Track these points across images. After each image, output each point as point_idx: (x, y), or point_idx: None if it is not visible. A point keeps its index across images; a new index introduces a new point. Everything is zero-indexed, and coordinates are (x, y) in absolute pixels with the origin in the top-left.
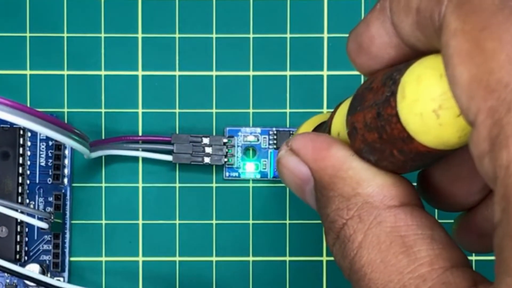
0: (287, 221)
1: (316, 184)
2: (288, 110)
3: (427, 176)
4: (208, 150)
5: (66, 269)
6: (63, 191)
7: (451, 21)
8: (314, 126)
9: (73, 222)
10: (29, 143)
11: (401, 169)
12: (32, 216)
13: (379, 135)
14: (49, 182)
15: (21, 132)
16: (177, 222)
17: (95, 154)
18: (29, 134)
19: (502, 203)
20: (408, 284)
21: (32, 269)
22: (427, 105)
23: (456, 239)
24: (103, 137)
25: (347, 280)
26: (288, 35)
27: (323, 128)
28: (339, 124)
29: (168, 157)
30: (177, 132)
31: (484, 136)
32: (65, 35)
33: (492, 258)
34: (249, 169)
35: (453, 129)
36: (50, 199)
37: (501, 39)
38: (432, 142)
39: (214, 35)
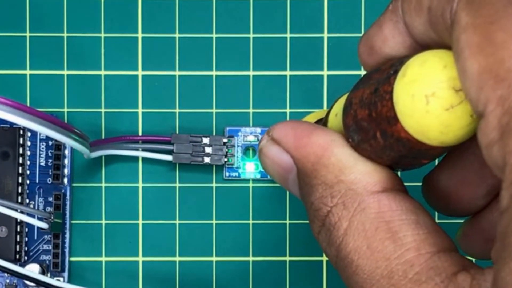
0: (287, 221)
1: (299, 172)
2: (288, 110)
3: (432, 181)
4: (208, 150)
5: (66, 269)
6: (63, 191)
7: (462, 16)
8: (315, 121)
9: (73, 222)
10: (29, 143)
11: (378, 157)
12: (32, 216)
13: (369, 112)
14: (49, 182)
15: (21, 132)
16: (177, 222)
17: (95, 154)
18: (29, 134)
19: (510, 189)
20: (396, 270)
21: (32, 269)
22: (421, 88)
23: (460, 245)
24: (103, 137)
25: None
26: (288, 35)
27: (323, 118)
28: (338, 107)
29: (168, 157)
30: (177, 132)
31: (494, 125)
32: (65, 35)
33: None
34: (249, 169)
35: (437, 120)
36: (50, 199)
37: (510, 30)
38: (413, 128)
39: (214, 35)
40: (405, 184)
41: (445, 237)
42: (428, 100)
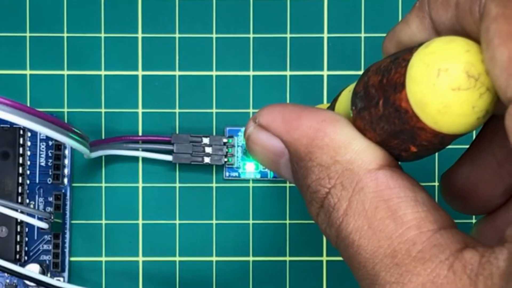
0: (287, 221)
1: (292, 156)
2: None
3: (450, 179)
4: (208, 150)
5: (66, 269)
6: (63, 191)
7: (492, 8)
8: None
9: (73, 222)
10: (29, 143)
11: (372, 129)
12: (32, 216)
13: (381, 77)
14: (49, 182)
15: (21, 132)
16: (177, 222)
17: (95, 154)
18: (29, 134)
19: None
20: (399, 249)
21: (32, 269)
22: (438, 61)
23: None
24: (103, 137)
25: (338, 251)
26: (288, 35)
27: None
28: (351, 87)
29: (168, 157)
30: (177, 132)
31: None
32: (65, 35)
33: None
34: (249, 169)
35: (440, 96)
36: (50, 199)
37: None
38: (415, 97)
39: (214, 35)
40: None
41: (445, 214)
42: (440, 73)
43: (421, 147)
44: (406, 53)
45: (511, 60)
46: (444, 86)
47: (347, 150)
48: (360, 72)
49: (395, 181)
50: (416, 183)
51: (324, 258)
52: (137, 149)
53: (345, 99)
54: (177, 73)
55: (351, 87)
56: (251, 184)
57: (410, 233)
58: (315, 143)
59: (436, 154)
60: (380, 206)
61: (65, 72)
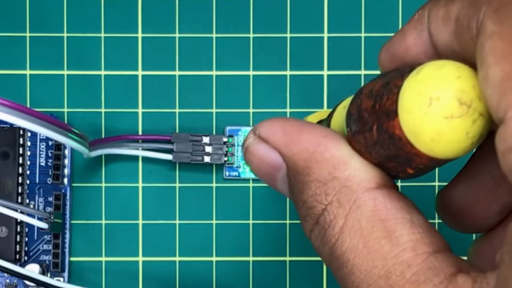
0: (287, 221)
1: (290, 170)
2: (288, 110)
3: (446, 197)
4: (208, 149)
5: (66, 269)
6: (63, 191)
7: (488, 25)
8: (316, 121)
9: (73, 222)
10: (29, 143)
11: (367, 152)
12: (32, 216)
13: (374, 103)
14: (49, 182)
15: (21, 132)
16: (177, 222)
17: (94, 153)
18: (29, 134)
19: None
20: (393, 270)
21: (32, 269)
22: (429, 89)
23: (472, 262)
24: (103, 137)
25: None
26: (288, 35)
27: (326, 120)
28: (349, 101)
29: (168, 156)
30: (177, 132)
31: None
32: (65, 35)
33: None
34: (249, 168)
35: (433, 125)
36: (50, 199)
37: None
38: (408, 126)
39: (214, 35)
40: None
41: (439, 237)
42: (431, 102)
43: (417, 169)
44: (397, 78)
45: (503, 79)
46: (436, 115)
47: (346, 167)
48: (360, 72)
49: (392, 201)
50: (412, 205)
51: None
52: (137, 148)
53: (340, 116)
54: (177, 73)
55: (346, 103)
56: (251, 184)
57: (406, 254)
58: (315, 158)
59: None
60: (376, 225)
61: (65, 72)
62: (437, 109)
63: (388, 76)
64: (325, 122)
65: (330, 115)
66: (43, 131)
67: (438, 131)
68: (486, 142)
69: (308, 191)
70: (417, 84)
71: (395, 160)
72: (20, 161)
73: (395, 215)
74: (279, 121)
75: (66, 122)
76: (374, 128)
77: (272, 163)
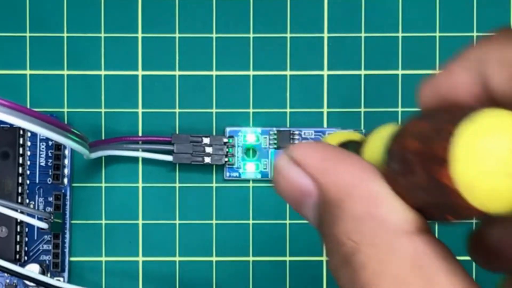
0: (287, 221)
1: (322, 200)
2: (288, 110)
3: (479, 239)
4: (209, 150)
5: (66, 269)
6: (63, 191)
7: None
8: (337, 143)
9: (73, 222)
10: (29, 143)
11: (407, 195)
12: (32, 216)
13: (421, 144)
14: (49, 182)
15: (21, 132)
16: (177, 222)
17: (95, 155)
18: (29, 134)
19: None
20: None
21: (32, 269)
22: (486, 143)
23: None
24: (103, 137)
25: None
26: (288, 35)
27: (353, 145)
28: (387, 130)
29: (168, 157)
30: (177, 132)
31: None
32: (65, 35)
33: None
34: (250, 169)
35: (491, 182)
36: (50, 199)
37: None
38: (461, 178)
39: (214, 35)
40: None
41: (477, 286)
42: (490, 157)
43: (460, 217)
44: (449, 123)
45: None
46: (496, 171)
47: (384, 205)
48: (360, 72)
49: (431, 247)
50: (450, 252)
51: (324, 258)
52: (137, 150)
53: (376, 148)
54: (177, 73)
55: (383, 133)
56: (251, 184)
57: None
58: (351, 191)
59: None
60: (414, 271)
61: (65, 72)
62: (495, 165)
63: (437, 118)
64: (352, 148)
65: (360, 144)
66: (43, 132)
67: (496, 189)
68: None
69: (340, 226)
70: (473, 136)
71: (437, 207)
72: (20, 161)
73: (434, 261)
74: (315, 146)
75: (66, 122)
76: (419, 172)
77: (303, 189)
